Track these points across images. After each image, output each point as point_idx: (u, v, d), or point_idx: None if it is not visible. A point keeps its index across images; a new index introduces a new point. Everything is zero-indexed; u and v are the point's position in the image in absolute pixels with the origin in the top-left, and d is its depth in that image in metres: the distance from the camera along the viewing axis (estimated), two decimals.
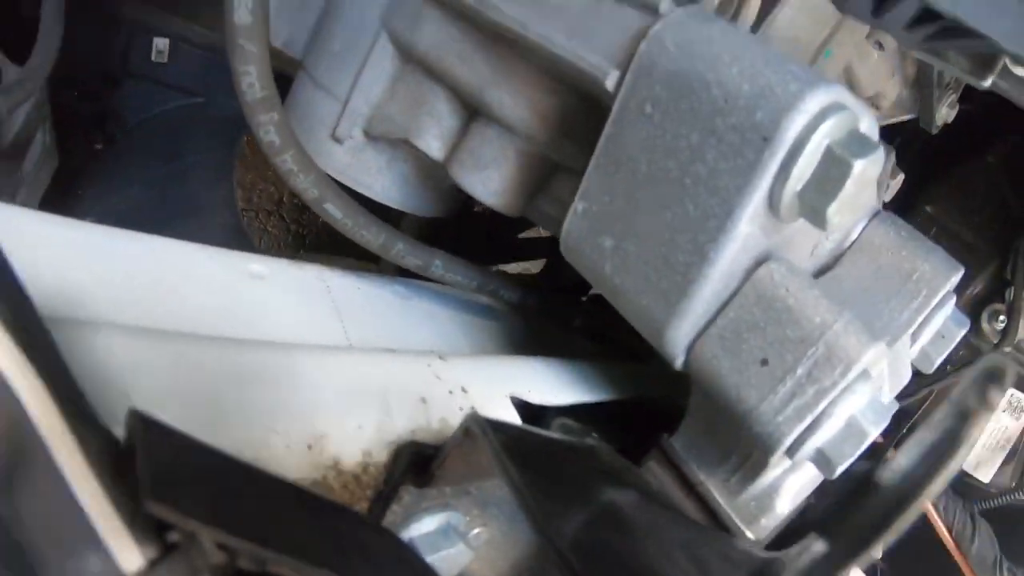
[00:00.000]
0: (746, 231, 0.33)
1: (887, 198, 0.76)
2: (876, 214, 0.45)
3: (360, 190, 0.62)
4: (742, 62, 0.33)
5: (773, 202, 0.33)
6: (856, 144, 0.32)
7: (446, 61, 0.52)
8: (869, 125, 0.36)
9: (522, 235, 0.86)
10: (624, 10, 0.40)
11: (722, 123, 0.33)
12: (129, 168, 0.88)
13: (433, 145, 0.53)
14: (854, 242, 0.45)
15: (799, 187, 0.32)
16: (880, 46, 0.67)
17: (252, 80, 0.46)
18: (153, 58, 0.92)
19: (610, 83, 0.38)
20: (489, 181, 0.50)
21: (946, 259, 0.45)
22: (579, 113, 0.46)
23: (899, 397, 0.50)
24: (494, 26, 0.46)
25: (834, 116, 0.33)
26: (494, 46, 0.48)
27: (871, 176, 0.33)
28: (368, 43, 0.58)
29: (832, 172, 0.31)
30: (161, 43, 0.91)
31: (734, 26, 0.37)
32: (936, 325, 0.46)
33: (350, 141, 0.60)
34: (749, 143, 0.32)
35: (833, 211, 0.32)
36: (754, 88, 0.32)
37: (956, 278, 0.44)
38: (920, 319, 0.44)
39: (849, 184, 0.31)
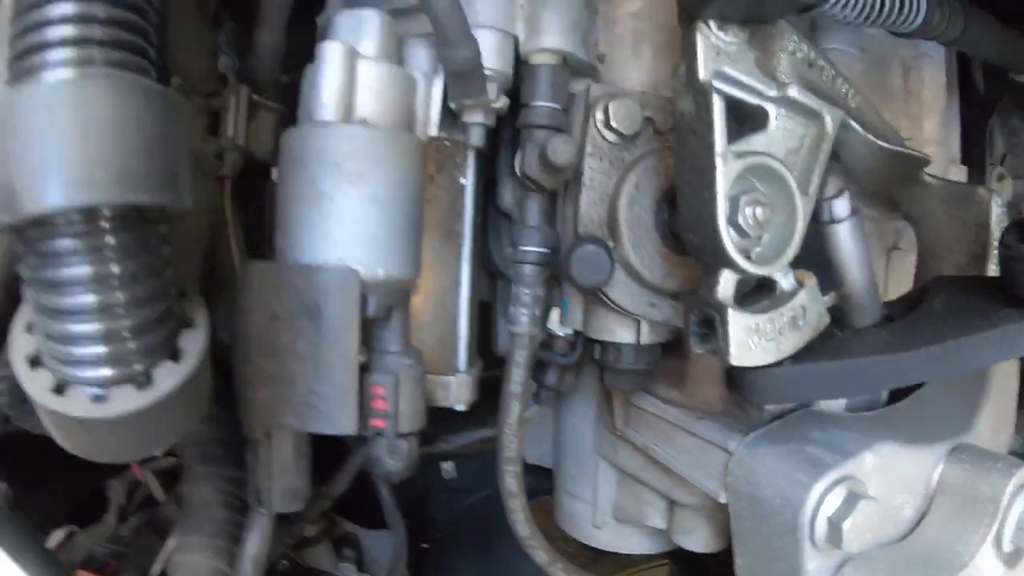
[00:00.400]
0: (812, 567, 0.69)
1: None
2: (954, 448, 0.78)
3: (624, 552, 1.03)
4: (772, 484, 0.71)
5: (818, 549, 0.69)
6: (845, 508, 0.68)
7: (641, 476, 0.93)
8: (870, 471, 0.71)
9: None
10: (716, 451, 0.79)
11: (774, 520, 0.70)
12: (455, 561, 1.35)
13: (656, 522, 0.94)
14: (937, 485, 0.78)
15: (824, 540, 0.68)
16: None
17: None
18: (444, 476, 1.43)
19: (722, 500, 0.77)
20: (698, 540, 0.89)
21: (1003, 469, 0.76)
22: None
23: None
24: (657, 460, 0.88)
25: (830, 495, 0.69)
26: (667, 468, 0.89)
27: (867, 520, 0.68)
28: (593, 467, 1.01)
29: (833, 534, 0.67)
30: (448, 465, 1.42)
31: (774, 447, 0.75)
32: (1012, 523, 0.73)
33: (606, 525, 1.02)
34: (789, 532, 0.69)
35: (849, 544, 0.67)
36: (781, 500, 0.70)
37: (1016, 479, 0.73)
38: (992, 531, 0.73)
39: (847, 534, 0.67)
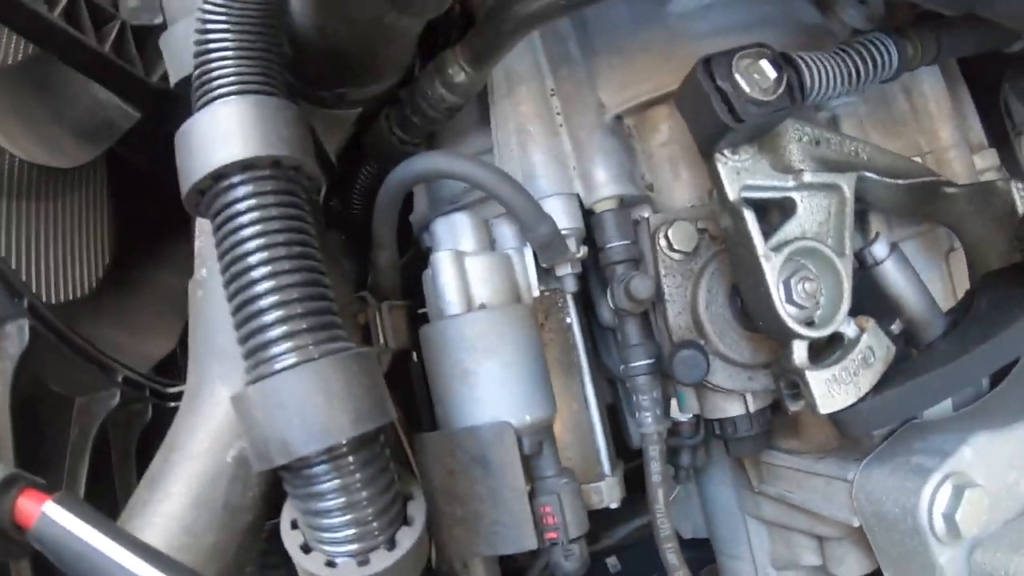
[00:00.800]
0: (944, 560, 0.87)
1: None
2: None
3: None
4: (890, 498, 0.90)
5: (943, 543, 0.87)
6: (954, 501, 0.86)
7: (786, 522, 1.12)
8: (971, 463, 0.89)
9: None
10: (839, 483, 0.98)
11: (901, 528, 0.89)
12: None
13: (812, 560, 1.12)
14: None
15: (945, 534, 0.86)
16: None
17: None
18: (611, 571, 1.62)
19: (855, 524, 0.95)
20: (852, 566, 1.03)
21: None
22: None
23: None
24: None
25: (939, 493, 0.87)
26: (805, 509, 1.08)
27: (977, 506, 0.86)
28: (742, 525, 1.20)
29: (951, 526, 0.85)
30: (612, 560, 1.62)
31: (884, 466, 0.94)
32: None
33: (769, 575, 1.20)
34: (915, 535, 0.87)
35: (967, 531, 0.85)
36: (900, 509, 0.88)
37: None
38: None
39: (961, 523, 0.85)
